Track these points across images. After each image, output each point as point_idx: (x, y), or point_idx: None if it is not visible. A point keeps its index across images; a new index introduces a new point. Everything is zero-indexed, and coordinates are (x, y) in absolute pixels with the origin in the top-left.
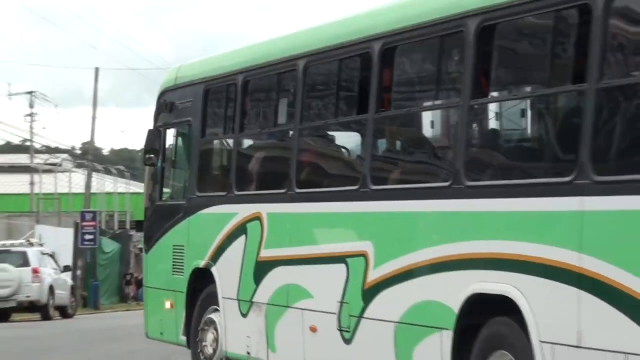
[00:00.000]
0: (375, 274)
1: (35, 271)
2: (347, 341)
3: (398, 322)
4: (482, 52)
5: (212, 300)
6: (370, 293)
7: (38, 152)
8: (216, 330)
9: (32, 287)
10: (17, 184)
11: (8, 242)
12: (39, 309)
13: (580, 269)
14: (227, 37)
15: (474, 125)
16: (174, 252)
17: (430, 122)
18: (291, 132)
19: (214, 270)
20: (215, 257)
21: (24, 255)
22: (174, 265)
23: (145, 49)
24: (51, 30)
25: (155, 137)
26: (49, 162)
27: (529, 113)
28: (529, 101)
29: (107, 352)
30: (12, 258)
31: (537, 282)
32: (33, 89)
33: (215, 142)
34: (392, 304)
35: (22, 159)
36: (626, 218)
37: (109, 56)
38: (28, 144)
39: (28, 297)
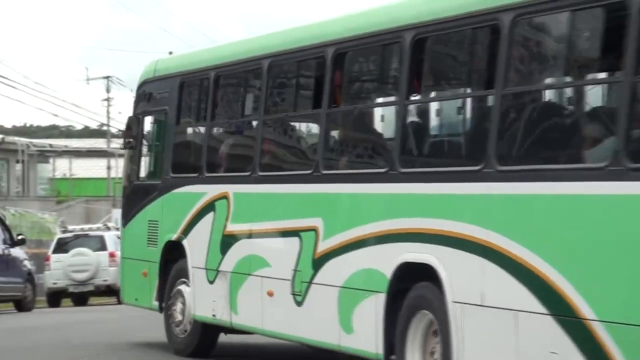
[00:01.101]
0: (323, 246)
1: (112, 255)
2: (299, 304)
3: (341, 287)
4: (415, 59)
5: (183, 271)
6: (318, 262)
7: (114, 136)
8: (184, 301)
9: (108, 271)
10: (94, 168)
11: (86, 226)
12: (115, 293)
13: (485, 241)
14: (296, 19)
15: (407, 122)
16: (149, 227)
17: (372, 118)
18: (255, 123)
19: (184, 242)
20: (186, 231)
21: (101, 239)
22: (148, 238)
23: (217, 32)
24: (126, 15)
25: (134, 123)
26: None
27: (450, 113)
28: (450, 102)
29: None
30: (90, 242)
31: (451, 253)
32: (109, 74)
33: (188, 129)
34: (336, 271)
35: (99, 143)
36: (521, 200)
37: (182, 40)
38: (105, 128)
39: (105, 280)
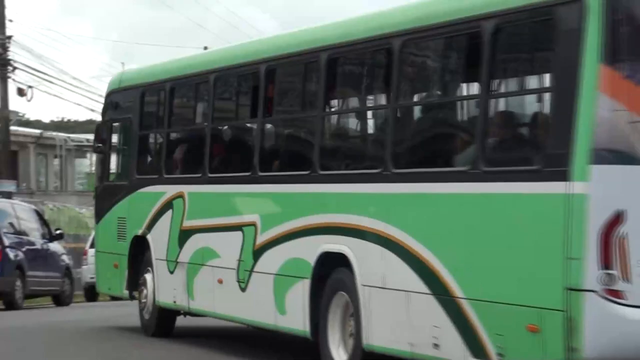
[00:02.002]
0: (261, 238)
1: None
2: (243, 290)
3: (275, 274)
4: (329, 76)
5: (148, 262)
6: (257, 253)
7: None
8: (147, 287)
9: None
10: None
11: None
12: None
13: (385, 233)
14: (332, 14)
15: (325, 132)
16: (119, 223)
17: (298, 127)
18: (205, 130)
19: (148, 237)
20: (150, 227)
21: None
22: (118, 233)
23: (252, 28)
24: (162, 10)
25: (103, 129)
26: None
27: (358, 123)
28: (357, 115)
29: None
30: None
31: (360, 243)
32: None
33: (149, 135)
34: (271, 260)
35: None
36: (409, 198)
37: (217, 35)
38: None
39: None
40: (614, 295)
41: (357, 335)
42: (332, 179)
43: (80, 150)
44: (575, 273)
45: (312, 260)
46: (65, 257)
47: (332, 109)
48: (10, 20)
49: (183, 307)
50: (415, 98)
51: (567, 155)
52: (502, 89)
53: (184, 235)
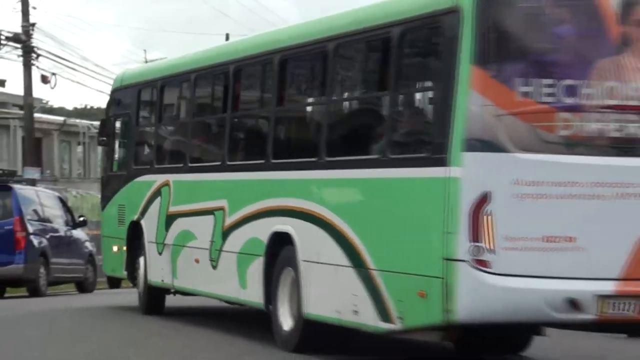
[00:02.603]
0: (228, 221)
1: None
2: (214, 267)
3: (238, 252)
4: (280, 76)
5: (142, 245)
6: (225, 234)
7: None
8: (141, 268)
9: None
10: None
11: None
12: None
13: (319, 214)
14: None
15: (276, 125)
16: (119, 210)
17: (257, 122)
18: (187, 124)
19: (142, 222)
20: (143, 213)
21: None
22: (118, 219)
23: (274, 15)
24: None
25: (107, 124)
26: None
27: (301, 118)
28: (299, 110)
29: None
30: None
31: (301, 224)
32: (166, 56)
33: (144, 129)
34: (235, 240)
35: None
36: (337, 182)
37: (239, 22)
38: None
39: None
40: (481, 264)
41: (299, 305)
42: (281, 166)
43: None
44: (450, 245)
45: (265, 239)
46: (88, 244)
47: (282, 107)
48: (34, 8)
49: (169, 285)
50: (340, 96)
51: (445, 144)
52: (404, 88)
53: (170, 219)
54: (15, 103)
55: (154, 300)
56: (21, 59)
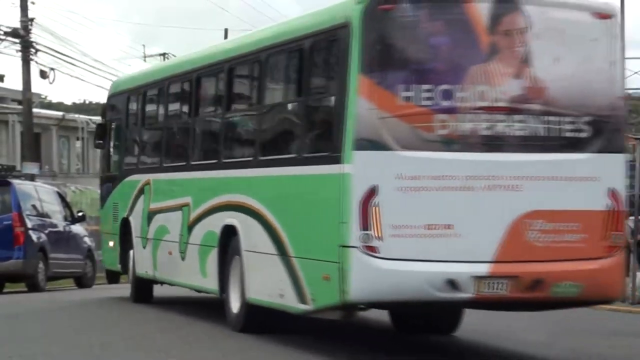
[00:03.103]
0: (192, 216)
1: None
2: (183, 259)
3: (199, 245)
4: (228, 84)
5: (131, 240)
6: (190, 228)
7: None
8: (130, 261)
9: None
10: None
11: None
12: None
13: (255, 208)
14: None
15: (226, 129)
16: (113, 208)
17: (211, 126)
18: (162, 129)
19: (130, 219)
20: (131, 210)
21: None
22: (113, 216)
23: (273, 10)
24: None
25: (103, 128)
26: None
27: (242, 123)
28: (236, 117)
29: None
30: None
31: (244, 217)
32: (166, 51)
33: (131, 133)
34: (197, 234)
35: None
36: (267, 179)
37: (238, 17)
38: None
39: None
40: (370, 250)
41: (243, 290)
42: (228, 166)
43: None
44: (344, 234)
45: (218, 232)
46: (87, 239)
47: (229, 112)
48: (33, 3)
49: (151, 276)
50: (267, 103)
51: (339, 144)
52: (312, 95)
53: (150, 215)
54: (14, 98)
55: (142, 291)
56: (20, 54)
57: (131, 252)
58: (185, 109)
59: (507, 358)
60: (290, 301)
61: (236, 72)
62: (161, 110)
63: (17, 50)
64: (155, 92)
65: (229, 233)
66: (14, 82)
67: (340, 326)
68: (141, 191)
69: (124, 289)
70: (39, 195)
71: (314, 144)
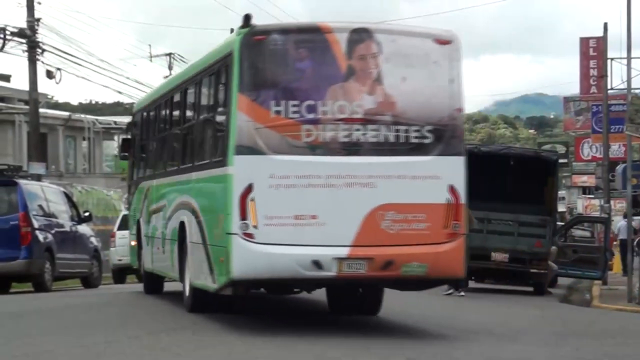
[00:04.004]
0: (167, 216)
1: None
2: (164, 253)
3: (170, 239)
4: (170, 108)
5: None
6: (165, 225)
7: None
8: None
9: None
10: None
11: None
12: None
13: (192, 206)
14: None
15: (177, 142)
16: (133, 211)
17: (172, 141)
18: (153, 142)
19: (140, 220)
20: (141, 213)
21: None
22: (133, 219)
23: (278, 9)
24: None
25: (126, 142)
26: None
27: (184, 137)
28: (180, 132)
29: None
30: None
31: (189, 215)
32: (171, 51)
33: (140, 146)
34: (169, 230)
35: None
36: (196, 181)
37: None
38: None
39: None
40: (248, 236)
41: (189, 276)
42: (181, 171)
43: (107, 132)
44: (229, 223)
45: (177, 228)
46: (93, 240)
47: (172, 129)
48: (39, 3)
49: (152, 270)
50: (191, 120)
51: (227, 150)
52: (216, 111)
53: (150, 217)
54: (20, 98)
55: (152, 283)
56: (26, 54)
57: (141, 250)
58: (159, 126)
59: (509, 359)
60: (208, 282)
61: (173, 100)
62: (151, 127)
63: (23, 51)
64: (149, 112)
65: (183, 228)
66: (20, 83)
67: (286, 308)
68: (145, 196)
69: (130, 288)
70: (45, 195)
71: (215, 151)
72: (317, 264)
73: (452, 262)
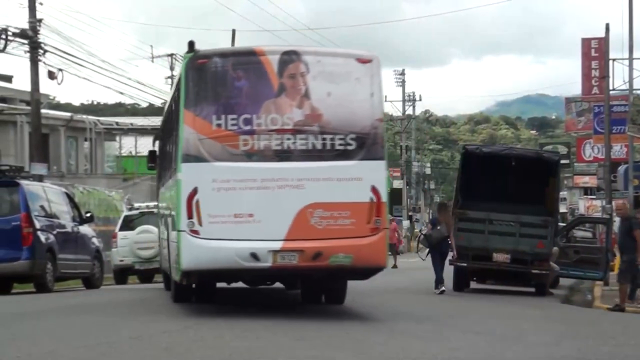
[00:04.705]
0: (162, 219)
1: None
2: (165, 251)
3: (164, 239)
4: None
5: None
6: (164, 227)
7: None
8: None
9: None
10: None
11: (152, 204)
12: None
13: (171, 207)
14: None
15: (166, 155)
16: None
17: (166, 152)
18: (164, 157)
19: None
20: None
21: None
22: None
23: (279, 10)
24: None
25: (153, 154)
26: None
27: (167, 151)
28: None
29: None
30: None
31: (167, 217)
32: (173, 51)
33: (159, 159)
34: (162, 230)
35: None
36: (168, 187)
37: (245, 17)
38: None
39: None
40: (194, 233)
41: (171, 271)
42: (168, 178)
43: (109, 133)
44: (179, 222)
45: (164, 228)
46: (95, 240)
47: (167, 145)
48: (41, 3)
49: (165, 268)
50: (170, 138)
51: (177, 159)
52: (176, 128)
53: (160, 220)
54: (22, 99)
55: (168, 280)
56: (28, 54)
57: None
58: (163, 142)
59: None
60: (174, 274)
61: (165, 118)
62: (161, 142)
63: (25, 51)
64: (162, 128)
65: (168, 228)
66: (22, 83)
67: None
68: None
69: (131, 289)
70: (47, 195)
71: (177, 160)
72: (255, 256)
73: (374, 253)
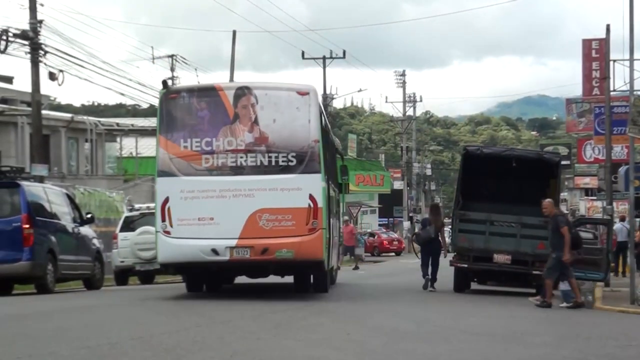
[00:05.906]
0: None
1: None
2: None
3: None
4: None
5: None
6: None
7: None
8: None
9: None
10: None
11: (152, 204)
12: None
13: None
14: None
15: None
16: None
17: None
18: None
19: None
20: None
21: None
22: None
23: (280, 11)
24: None
25: None
26: None
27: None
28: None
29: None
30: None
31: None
32: (174, 53)
33: None
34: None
35: None
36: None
37: (245, 18)
38: None
39: None
40: (167, 233)
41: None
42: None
43: (110, 134)
44: (157, 224)
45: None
46: (96, 241)
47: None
48: (42, 5)
49: None
50: None
51: (155, 174)
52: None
53: None
54: (23, 100)
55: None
56: (29, 55)
57: None
58: None
59: None
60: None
61: None
62: None
63: (26, 52)
64: None
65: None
66: (23, 84)
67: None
68: None
69: (132, 290)
70: (47, 196)
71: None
72: (215, 251)
73: (312, 249)
